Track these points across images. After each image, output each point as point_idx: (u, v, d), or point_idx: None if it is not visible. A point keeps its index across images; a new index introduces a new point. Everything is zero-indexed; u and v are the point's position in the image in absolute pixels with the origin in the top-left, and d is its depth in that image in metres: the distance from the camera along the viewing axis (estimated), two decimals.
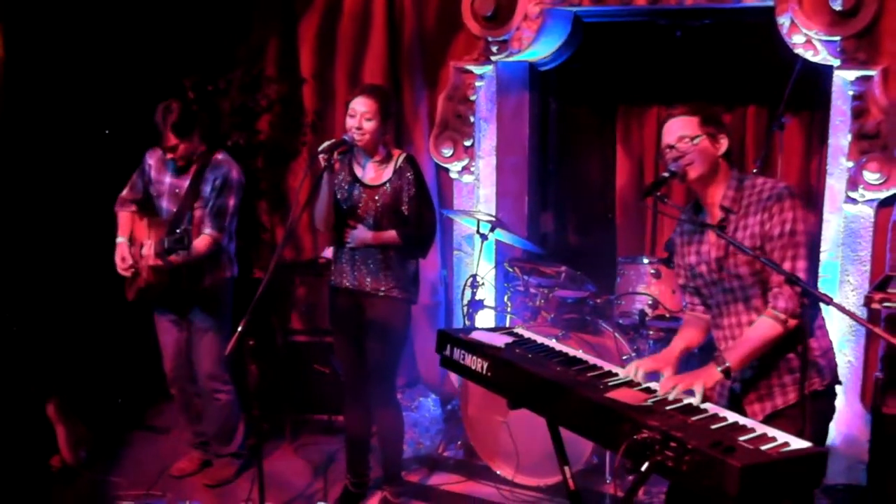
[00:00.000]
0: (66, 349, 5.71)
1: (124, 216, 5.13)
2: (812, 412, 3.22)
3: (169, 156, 4.94)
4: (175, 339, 5.24)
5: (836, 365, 3.48)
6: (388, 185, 4.56)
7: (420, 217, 4.59)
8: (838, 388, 3.49)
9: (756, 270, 3.32)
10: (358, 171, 4.65)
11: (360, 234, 4.58)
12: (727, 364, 3.21)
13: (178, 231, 4.66)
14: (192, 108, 4.95)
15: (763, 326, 3.27)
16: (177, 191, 5.02)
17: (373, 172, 4.62)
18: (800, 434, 2.89)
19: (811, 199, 5.79)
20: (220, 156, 5.06)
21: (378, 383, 4.75)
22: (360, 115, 4.46)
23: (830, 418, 3.53)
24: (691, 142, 3.35)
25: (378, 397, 4.80)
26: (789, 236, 3.24)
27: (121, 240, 5.06)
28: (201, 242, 4.90)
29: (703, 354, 3.69)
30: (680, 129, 3.39)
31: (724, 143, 3.40)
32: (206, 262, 5.03)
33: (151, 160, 5.13)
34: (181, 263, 4.89)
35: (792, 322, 3.22)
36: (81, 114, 5.98)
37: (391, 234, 4.56)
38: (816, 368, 3.33)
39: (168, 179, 5.05)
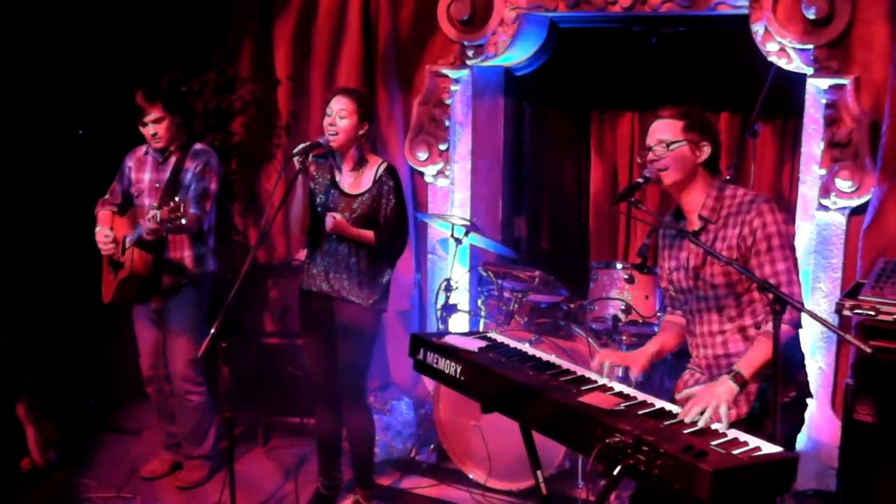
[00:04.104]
0: (37, 350, 5.66)
1: (104, 213, 5.10)
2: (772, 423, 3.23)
3: (152, 142, 4.91)
4: (153, 338, 5.21)
5: (804, 379, 3.46)
6: (366, 195, 4.54)
7: (397, 228, 4.57)
8: (809, 401, 3.48)
9: (731, 281, 3.32)
10: (337, 176, 4.62)
11: (341, 223, 4.46)
12: (743, 376, 3.14)
13: (172, 202, 4.50)
14: (181, 88, 4.93)
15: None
16: (157, 185, 5.00)
17: (351, 179, 4.59)
18: (770, 439, 2.90)
19: (783, 206, 5.83)
20: (198, 146, 5.09)
21: (348, 387, 4.74)
22: (335, 112, 4.44)
23: (797, 431, 3.51)
24: (668, 148, 3.34)
25: (348, 400, 4.78)
26: (779, 250, 3.25)
27: (101, 228, 5.01)
28: (188, 219, 4.86)
29: (676, 360, 3.70)
30: (661, 133, 3.37)
31: (706, 151, 3.37)
32: (188, 255, 5.01)
33: (130, 162, 5.12)
34: (168, 232, 4.85)
35: (793, 331, 3.25)
36: (55, 114, 5.94)
37: (368, 233, 4.52)
38: (781, 380, 3.32)
39: (148, 176, 5.03)
